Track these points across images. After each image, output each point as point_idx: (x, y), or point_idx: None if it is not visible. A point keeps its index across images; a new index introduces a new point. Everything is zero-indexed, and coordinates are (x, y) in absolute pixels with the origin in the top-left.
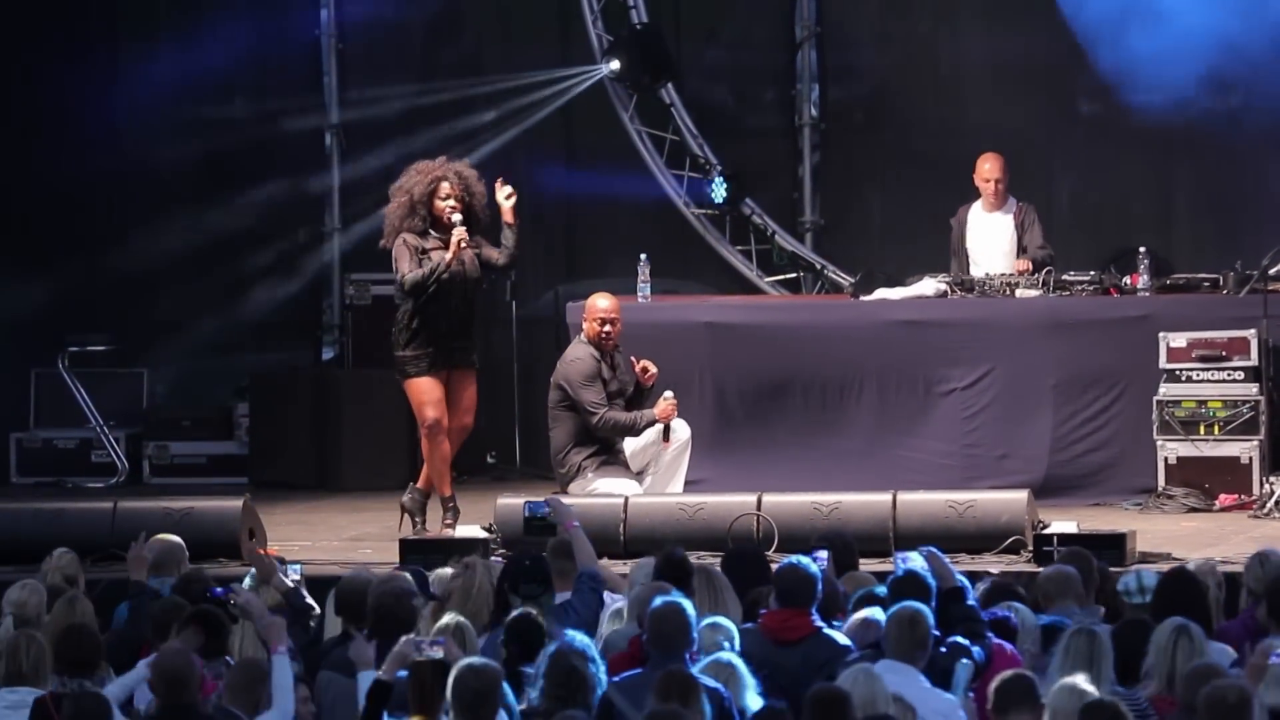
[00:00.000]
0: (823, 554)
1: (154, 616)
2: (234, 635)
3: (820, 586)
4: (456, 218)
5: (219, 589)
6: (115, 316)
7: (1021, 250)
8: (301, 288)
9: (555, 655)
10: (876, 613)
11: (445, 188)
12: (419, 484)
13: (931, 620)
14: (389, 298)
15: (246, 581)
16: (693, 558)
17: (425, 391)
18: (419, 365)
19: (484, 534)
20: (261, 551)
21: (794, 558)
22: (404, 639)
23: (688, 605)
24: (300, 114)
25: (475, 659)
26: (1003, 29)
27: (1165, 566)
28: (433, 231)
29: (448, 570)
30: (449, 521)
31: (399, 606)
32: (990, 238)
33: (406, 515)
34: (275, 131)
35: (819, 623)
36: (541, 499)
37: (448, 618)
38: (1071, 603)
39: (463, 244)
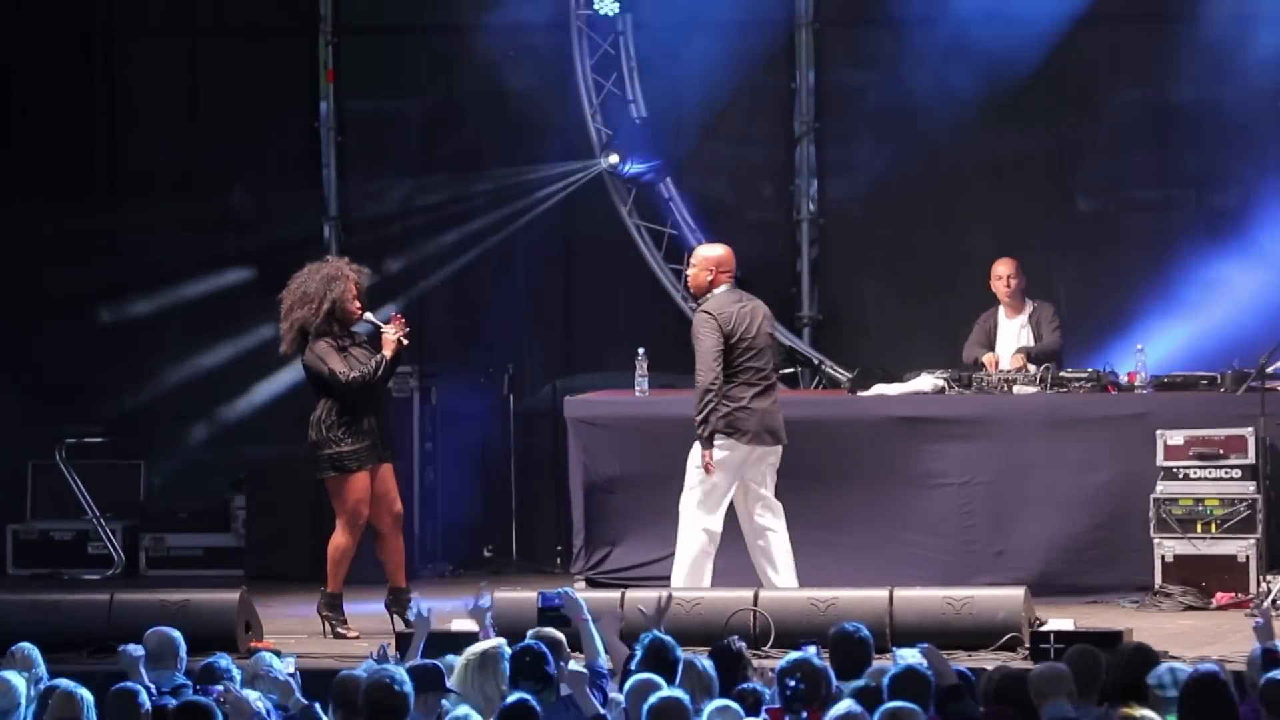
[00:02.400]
0: (811, 648)
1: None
2: None
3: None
4: (369, 315)
5: (212, 687)
6: (112, 408)
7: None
8: (298, 379)
9: None
10: (854, 706)
11: (352, 291)
12: (329, 587)
13: None
14: (387, 391)
15: (239, 678)
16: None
17: (359, 488)
18: (357, 460)
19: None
20: (257, 644)
21: (800, 653)
22: None
23: (686, 700)
24: (298, 205)
25: None
26: (1000, 125)
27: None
28: (338, 333)
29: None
30: (327, 615)
31: (391, 698)
32: (1008, 342)
33: (323, 620)
34: (273, 222)
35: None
36: (555, 591)
37: (459, 709)
38: (1064, 700)
39: (402, 341)
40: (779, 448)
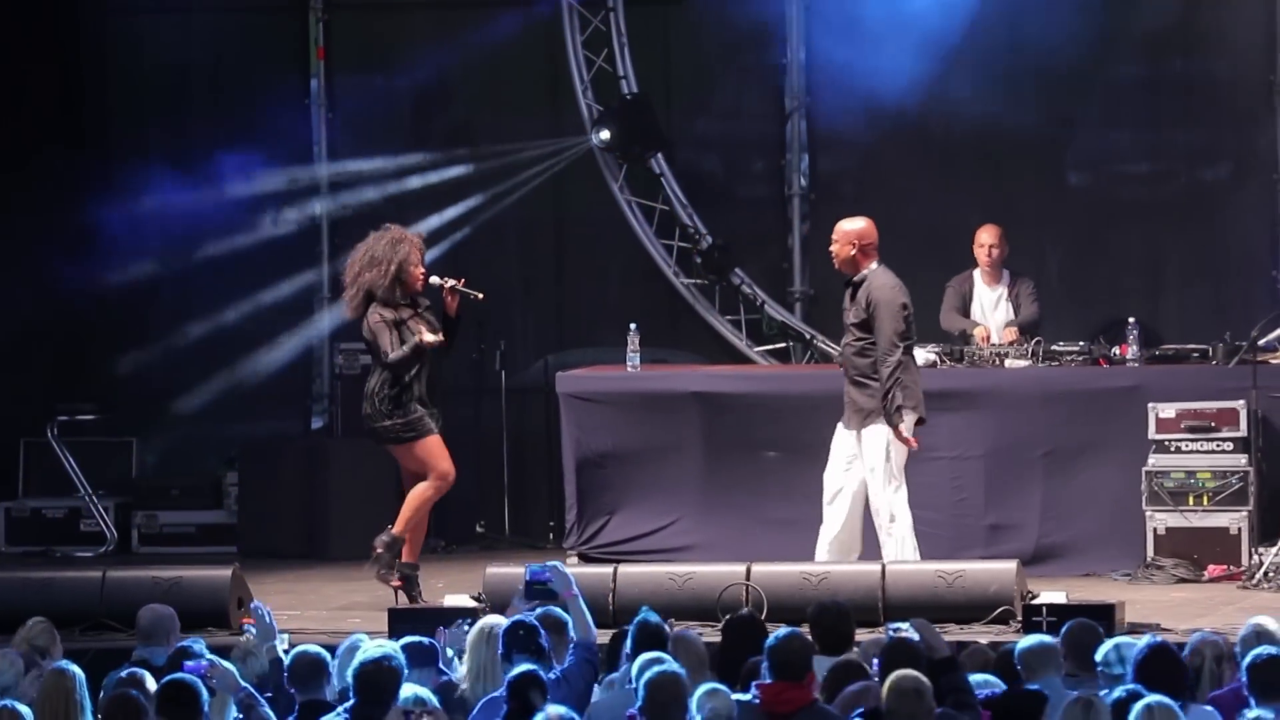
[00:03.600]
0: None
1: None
2: (211, 711)
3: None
4: (435, 280)
5: (195, 664)
6: (105, 385)
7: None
8: (291, 357)
9: None
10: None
11: (416, 255)
12: (396, 529)
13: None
14: None
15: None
16: (680, 627)
17: (435, 446)
18: (417, 428)
19: (473, 603)
20: (249, 620)
21: (789, 628)
22: (393, 709)
23: (683, 675)
24: (289, 183)
25: None
26: (992, 100)
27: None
28: (401, 299)
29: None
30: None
31: (381, 674)
32: (986, 311)
33: (376, 558)
34: (264, 201)
35: (816, 694)
36: (542, 564)
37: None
38: (1053, 674)
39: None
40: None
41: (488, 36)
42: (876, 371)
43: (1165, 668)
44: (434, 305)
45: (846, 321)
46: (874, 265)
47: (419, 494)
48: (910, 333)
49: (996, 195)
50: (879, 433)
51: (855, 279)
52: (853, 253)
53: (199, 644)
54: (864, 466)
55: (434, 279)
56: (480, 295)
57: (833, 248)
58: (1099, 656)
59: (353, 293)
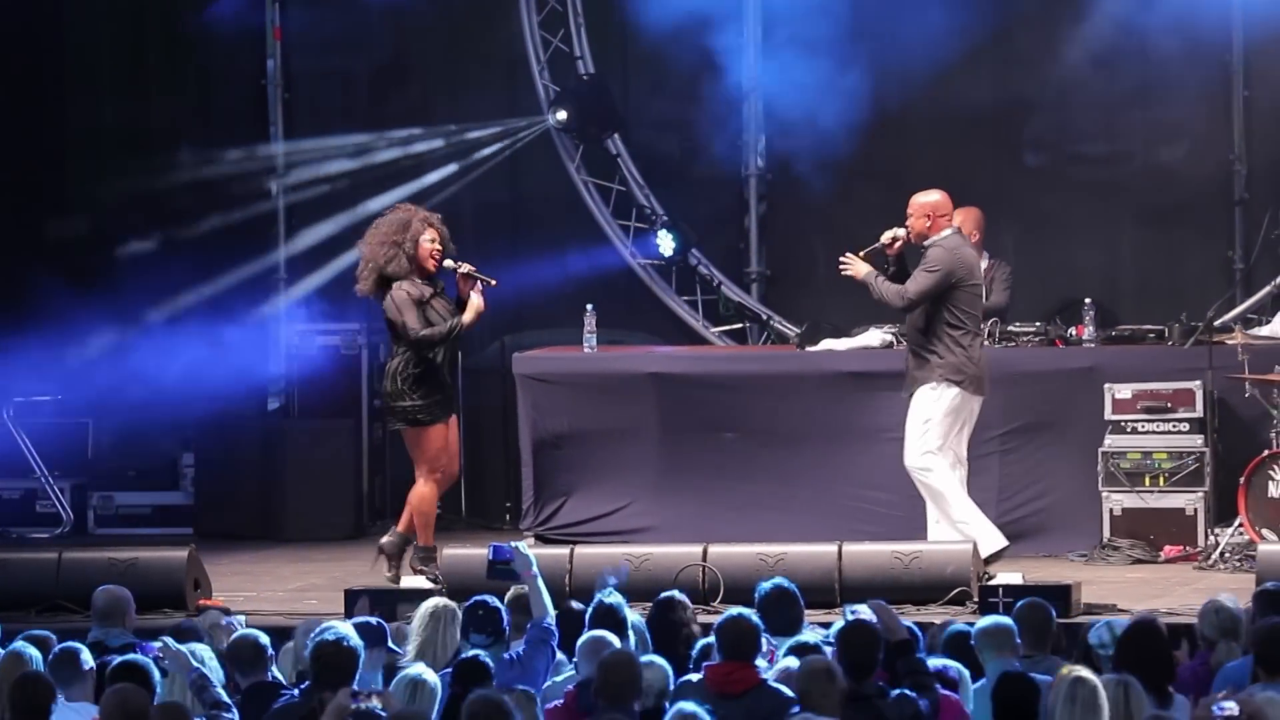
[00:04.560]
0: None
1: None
2: (163, 691)
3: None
4: (449, 263)
5: (148, 644)
6: (60, 367)
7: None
8: (247, 338)
9: (470, 703)
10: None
11: (431, 233)
12: (400, 528)
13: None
14: (335, 348)
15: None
16: (638, 609)
17: (439, 439)
18: (432, 413)
19: (430, 584)
20: (206, 602)
21: (737, 609)
22: (342, 690)
23: (635, 655)
24: (246, 163)
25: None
26: (948, 79)
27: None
28: (418, 279)
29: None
30: (423, 570)
31: (339, 654)
32: None
33: (384, 558)
34: (221, 180)
35: (764, 674)
36: (507, 544)
37: (412, 669)
38: (1009, 655)
39: (479, 310)
40: (980, 399)
41: (444, 16)
42: (932, 341)
43: (1149, 646)
44: (448, 288)
45: None
46: (946, 232)
47: (420, 495)
48: (967, 304)
49: (953, 175)
50: (924, 395)
51: (925, 244)
52: (926, 225)
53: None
54: (907, 426)
55: (448, 262)
56: (493, 281)
57: (908, 222)
58: (1092, 638)
59: (364, 269)
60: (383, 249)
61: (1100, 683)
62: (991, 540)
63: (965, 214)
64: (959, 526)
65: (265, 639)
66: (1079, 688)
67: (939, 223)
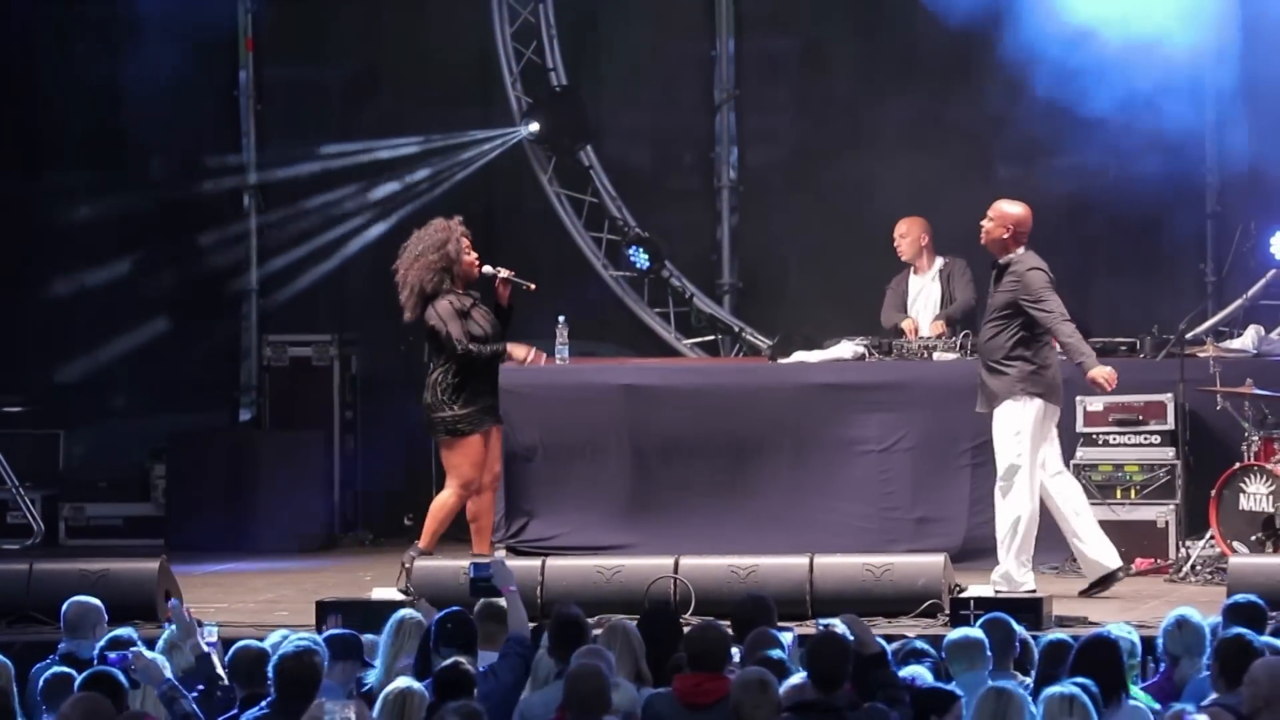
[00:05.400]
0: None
1: (47, 684)
2: (133, 702)
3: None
4: (488, 269)
5: (115, 655)
6: (31, 378)
7: (950, 301)
8: (219, 349)
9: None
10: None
11: (467, 243)
12: (423, 545)
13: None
14: (306, 359)
15: (159, 645)
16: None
17: (474, 452)
18: (472, 422)
19: (401, 596)
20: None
21: (707, 620)
22: (315, 703)
23: (604, 666)
24: (218, 173)
25: None
26: (920, 92)
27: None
28: (459, 290)
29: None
30: (408, 569)
31: (301, 668)
32: (922, 302)
33: (406, 574)
34: (193, 191)
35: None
36: (486, 560)
37: (398, 681)
38: (980, 668)
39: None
40: (1059, 408)
41: (417, 28)
42: (1009, 355)
43: (1101, 659)
44: (485, 295)
45: (989, 304)
46: (1021, 250)
47: (442, 503)
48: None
49: (925, 187)
50: (1009, 409)
51: (1001, 261)
52: (1005, 236)
53: (131, 633)
54: (995, 441)
55: (487, 268)
56: (532, 286)
57: (986, 224)
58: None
59: (406, 294)
60: (426, 273)
61: (1017, 692)
62: (1106, 557)
63: (910, 224)
64: (1071, 542)
65: (268, 648)
66: (995, 700)
67: (1019, 238)
